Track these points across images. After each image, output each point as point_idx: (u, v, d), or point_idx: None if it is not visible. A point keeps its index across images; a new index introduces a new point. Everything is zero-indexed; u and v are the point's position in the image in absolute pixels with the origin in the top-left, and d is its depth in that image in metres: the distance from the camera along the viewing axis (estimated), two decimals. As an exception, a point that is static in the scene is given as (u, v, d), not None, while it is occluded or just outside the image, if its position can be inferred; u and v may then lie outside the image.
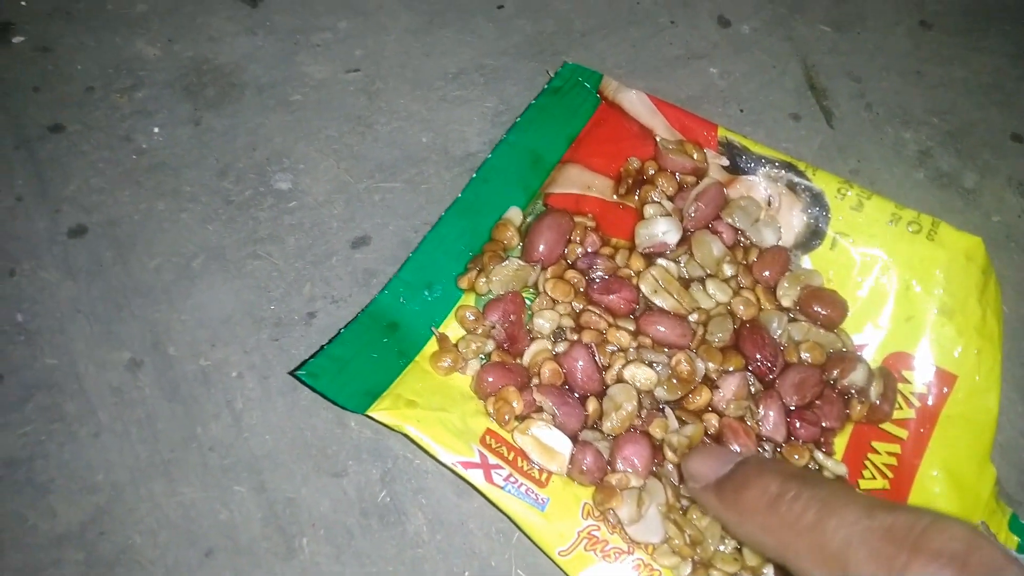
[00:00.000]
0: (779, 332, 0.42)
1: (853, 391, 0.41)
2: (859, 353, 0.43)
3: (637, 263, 0.43)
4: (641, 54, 0.54)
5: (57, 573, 0.37)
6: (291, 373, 0.42)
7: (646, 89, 0.48)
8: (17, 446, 0.40)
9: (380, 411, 0.38)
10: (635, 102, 0.48)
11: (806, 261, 0.45)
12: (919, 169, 0.52)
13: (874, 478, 0.41)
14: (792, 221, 0.45)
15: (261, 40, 0.52)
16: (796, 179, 0.46)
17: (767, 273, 0.44)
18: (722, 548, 0.37)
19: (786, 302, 0.43)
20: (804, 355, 0.42)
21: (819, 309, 0.43)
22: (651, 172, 0.46)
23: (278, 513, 0.39)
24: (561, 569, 0.37)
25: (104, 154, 0.48)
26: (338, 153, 0.49)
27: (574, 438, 0.39)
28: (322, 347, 0.40)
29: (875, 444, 0.42)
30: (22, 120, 0.48)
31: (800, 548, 0.25)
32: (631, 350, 0.41)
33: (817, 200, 0.45)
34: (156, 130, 0.49)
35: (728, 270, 0.43)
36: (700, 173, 0.46)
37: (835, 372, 0.41)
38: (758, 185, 0.46)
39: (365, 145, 0.49)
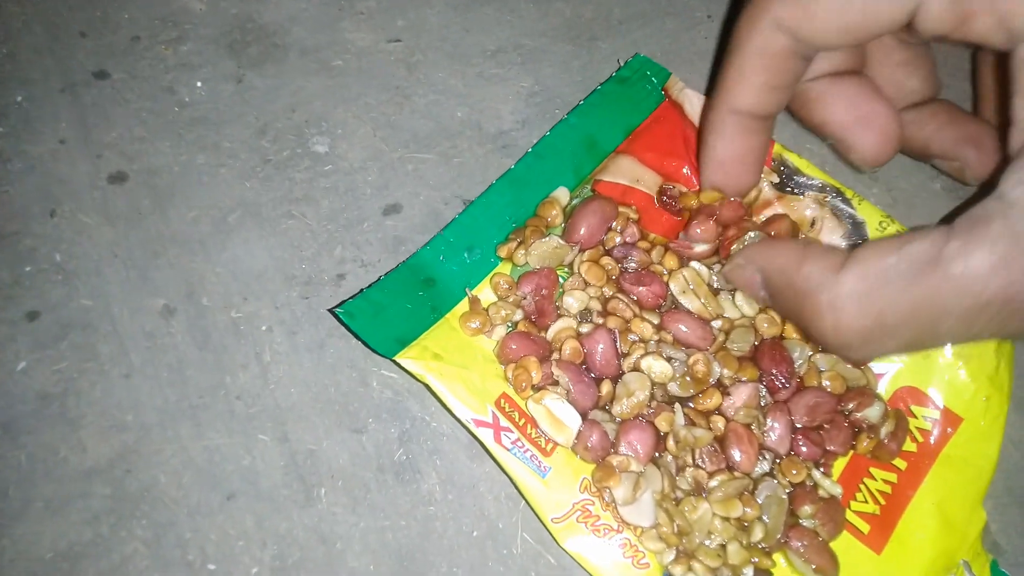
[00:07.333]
0: (800, 362, 0.43)
1: (864, 425, 0.42)
2: (879, 382, 0.44)
3: (671, 262, 0.44)
4: (675, 45, 0.55)
5: (85, 505, 0.39)
6: (330, 310, 0.43)
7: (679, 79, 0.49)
8: (51, 381, 0.42)
9: (407, 358, 0.40)
10: (695, 105, 0.48)
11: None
12: (949, 196, 0.53)
13: (866, 502, 0.42)
14: (832, 244, 0.46)
15: (306, 3, 0.53)
16: (842, 206, 0.46)
17: None
18: (707, 543, 0.39)
19: None
20: (825, 382, 0.42)
21: None
22: (692, 205, 0.46)
23: (299, 463, 0.41)
24: (551, 534, 0.39)
25: (147, 104, 0.49)
26: (375, 121, 0.50)
27: (584, 415, 0.40)
28: (361, 290, 0.42)
29: (872, 470, 0.43)
30: (69, 64, 0.49)
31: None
32: (652, 342, 0.42)
33: (858, 229, 0.46)
34: (199, 84, 0.50)
35: None
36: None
37: (851, 404, 0.42)
38: (804, 205, 0.47)
39: (402, 115, 0.50)
